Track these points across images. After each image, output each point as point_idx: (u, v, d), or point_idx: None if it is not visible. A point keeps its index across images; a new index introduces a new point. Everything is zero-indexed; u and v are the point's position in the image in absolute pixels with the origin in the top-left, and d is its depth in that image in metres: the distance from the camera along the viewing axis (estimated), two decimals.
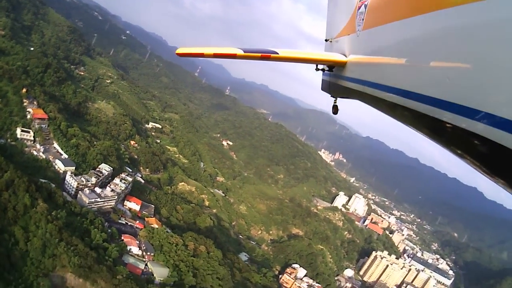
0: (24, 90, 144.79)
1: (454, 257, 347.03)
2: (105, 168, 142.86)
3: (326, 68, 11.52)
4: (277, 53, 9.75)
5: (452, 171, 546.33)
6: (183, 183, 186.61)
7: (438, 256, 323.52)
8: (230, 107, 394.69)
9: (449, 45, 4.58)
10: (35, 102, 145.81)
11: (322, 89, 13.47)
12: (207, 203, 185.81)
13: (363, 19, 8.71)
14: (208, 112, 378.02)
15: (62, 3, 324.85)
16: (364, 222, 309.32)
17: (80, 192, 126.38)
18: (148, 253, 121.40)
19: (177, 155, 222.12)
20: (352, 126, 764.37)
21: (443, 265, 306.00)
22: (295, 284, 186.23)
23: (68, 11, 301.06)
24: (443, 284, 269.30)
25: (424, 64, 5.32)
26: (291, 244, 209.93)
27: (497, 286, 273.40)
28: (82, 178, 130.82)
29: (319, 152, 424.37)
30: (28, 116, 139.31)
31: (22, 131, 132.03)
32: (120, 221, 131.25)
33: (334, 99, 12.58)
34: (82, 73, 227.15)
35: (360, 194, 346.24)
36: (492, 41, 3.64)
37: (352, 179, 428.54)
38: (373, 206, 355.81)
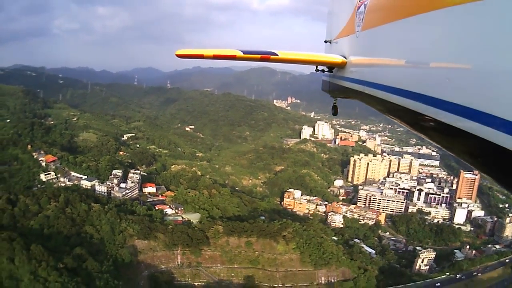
0: (29, 146, 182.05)
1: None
2: (116, 173, 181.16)
3: (326, 69, 11.65)
4: (277, 55, 9.93)
5: None
6: (174, 165, 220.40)
7: (419, 147, 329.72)
8: (177, 98, 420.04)
9: (449, 45, 4.67)
10: (42, 152, 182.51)
11: (323, 89, 14.10)
12: (199, 172, 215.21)
13: (362, 19, 8.75)
14: (161, 110, 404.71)
15: None
16: (335, 142, 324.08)
17: (111, 191, 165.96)
18: (179, 209, 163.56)
19: (157, 150, 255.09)
20: (293, 69, 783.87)
21: (424, 149, 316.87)
22: (297, 203, 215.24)
23: (6, 80, 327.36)
24: (432, 166, 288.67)
25: (423, 64, 5.43)
26: (279, 177, 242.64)
27: None
28: (107, 183, 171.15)
29: (272, 103, 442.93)
30: (43, 164, 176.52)
31: (45, 174, 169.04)
32: (148, 200, 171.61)
33: (334, 99, 13.34)
34: (52, 122, 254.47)
35: (322, 121, 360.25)
36: (491, 41, 3.65)
37: (312, 114, 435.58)
38: (340, 129, 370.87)
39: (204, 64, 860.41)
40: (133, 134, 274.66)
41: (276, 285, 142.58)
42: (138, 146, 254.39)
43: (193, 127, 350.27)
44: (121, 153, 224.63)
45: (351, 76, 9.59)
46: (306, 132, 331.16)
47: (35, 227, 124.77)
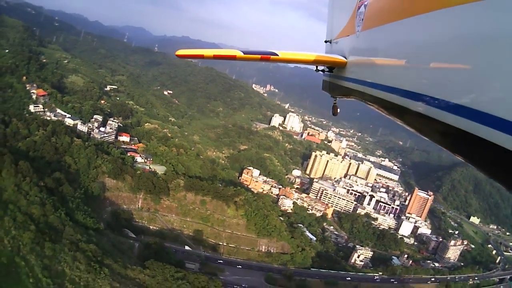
0: (25, 78, 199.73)
1: (400, 159, 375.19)
2: (97, 118, 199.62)
3: (327, 69, 11.57)
4: (277, 55, 9.91)
5: None
6: (147, 123, 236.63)
7: (382, 159, 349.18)
8: (162, 62, 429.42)
9: (449, 46, 4.56)
10: (34, 85, 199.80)
11: (323, 89, 13.63)
12: (169, 134, 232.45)
13: (362, 20, 8.71)
14: (145, 70, 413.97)
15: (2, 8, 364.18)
16: (302, 136, 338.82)
17: (91, 132, 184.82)
18: (148, 159, 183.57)
19: (135, 106, 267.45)
20: None
21: (386, 162, 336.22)
22: (253, 181, 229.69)
23: (8, 13, 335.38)
24: (390, 179, 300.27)
25: (423, 64, 5.32)
26: (242, 155, 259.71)
27: (446, 176, 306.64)
28: (88, 124, 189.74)
29: (251, 86, 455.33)
30: (34, 96, 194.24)
31: (34, 106, 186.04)
32: (122, 147, 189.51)
33: (335, 99, 13.09)
34: (45, 60, 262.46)
35: (293, 113, 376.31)
36: (492, 41, 3.60)
37: (287, 105, 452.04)
38: (311, 125, 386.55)
39: (193, 35, 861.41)
40: (116, 87, 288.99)
41: (221, 243, 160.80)
42: (118, 98, 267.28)
43: (171, 92, 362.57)
44: (102, 101, 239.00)
45: (351, 76, 9.64)
46: (276, 120, 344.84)
47: (22, 148, 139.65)
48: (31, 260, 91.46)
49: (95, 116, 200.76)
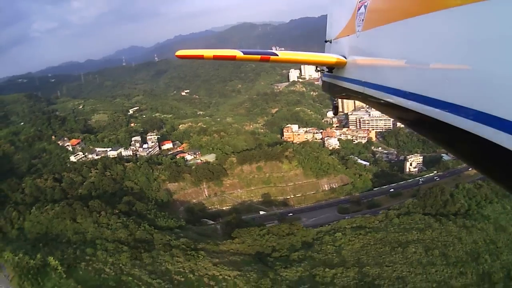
0: (53, 137, 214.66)
1: None
2: (136, 139, 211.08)
3: (326, 69, 11.44)
4: (277, 55, 10.05)
5: None
6: (181, 124, 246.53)
7: None
8: (167, 68, 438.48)
9: (449, 46, 4.47)
10: (65, 139, 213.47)
11: (323, 89, 13.65)
12: (204, 126, 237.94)
13: (362, 20, 8.55)
14: (155, 82, 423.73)
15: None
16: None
17: (136, 153, 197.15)
18: (197, 153, 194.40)
19: (162, 116, 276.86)
20: (272, 19, 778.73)
21: None
22: (295, 135, 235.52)
23: (2, 91, 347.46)
24: None
25: (424, 64, 5.23)
26: (276, 117, 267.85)
27: None
28: (131, 147, 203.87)
29: None
30: (70, 148, 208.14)
31: (75, 156, 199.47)
32: (169, 153, 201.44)
33: (335, 99, 13.49)
34: (62, 114, 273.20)
35: None
36: (492, 42, 3.55)
37: None
38: None
39: (184, 31, 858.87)
40: (137, 107, 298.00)
41: (288, 197, 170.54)
42: (144, 116, 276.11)
43: (188, 91, 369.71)
44: (132, 124, 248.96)
45: (351, 77, 9.43)
46: (293, 74, 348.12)
47: (84, 193, 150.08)
48: (136, 273, 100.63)
49: (133, 139, 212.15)
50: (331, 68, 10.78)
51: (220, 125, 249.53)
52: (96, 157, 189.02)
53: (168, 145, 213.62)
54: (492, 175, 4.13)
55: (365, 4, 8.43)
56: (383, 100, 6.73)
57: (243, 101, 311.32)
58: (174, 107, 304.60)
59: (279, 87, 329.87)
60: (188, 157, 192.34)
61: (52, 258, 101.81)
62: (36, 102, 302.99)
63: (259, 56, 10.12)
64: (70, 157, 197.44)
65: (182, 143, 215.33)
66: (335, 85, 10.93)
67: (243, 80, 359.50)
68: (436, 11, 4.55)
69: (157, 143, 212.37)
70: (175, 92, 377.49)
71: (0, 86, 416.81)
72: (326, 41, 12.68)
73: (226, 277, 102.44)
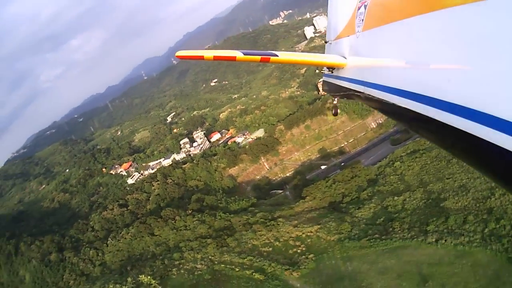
0: (104, 169, 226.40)
1: None
2: (184, 141, 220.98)
3: (327, 70, 11.08)
4: (277, 56, 9.89)
5: None
6: (221, 113, 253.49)
7: None
8: (187, 67, 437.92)
9: (449, 46, 4.36)
10: (116, 166, 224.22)
11: (323, 89, 13.59)
12: (243, 107, 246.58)
13: (362, 20, 8.47)
14: (181, 83, 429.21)
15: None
16: None
17: (189, 153, 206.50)
18: (246, 133, 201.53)
19: (200, 112, 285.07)
20: None
21: None
22: None
23: (37, 148, 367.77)
24: None
25: (424, 64, 5.09)
26: (307, 76, 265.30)
27: None
28: (182, 150, 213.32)
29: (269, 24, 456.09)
30: (124, 173, 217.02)
31: (131, 178, 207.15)
32: (220, 143, 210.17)
33: (335, 99, 12.97)
34: (103, 146, 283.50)
35: (317, 16, 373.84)
36: (493, 42, 3.44)
37: (307, 15, 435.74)
38: None
39: (190, 27, 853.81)
40: (174, 112, 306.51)
41: (342, 145, 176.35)
42: (183, 118, 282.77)
43: (216, 80, 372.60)
44: (175, 130, 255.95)
45: (351, 77, 9.27)
46: (309, 31, 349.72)
47: (152, 207, 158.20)
48: (226, 259, 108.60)
49: (181, 142, 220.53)
50: (332, 69, 10.70)
51: (257, 101, 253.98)
52: (152, 171, 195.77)
53: (216, 136, 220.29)
54: (492, 175, 4.06)
55: (365, 4, 8.48)
56: (383, 100, 6.57)
57: (271, 72, 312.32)
58: (208, 100, 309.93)
59: (299, 47, 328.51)
60: (239, 139, 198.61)
61: (143, 276, 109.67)
62: (73, 146, 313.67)
63: (259, 57, 10.19)
64: (127, 181, 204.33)
65: (228, 130, 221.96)
66: (335, 85, 10.71)
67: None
68: (436, 11, 4.58)
69: (205, 138, 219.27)
70: (204, 85, 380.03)
71: (32, 145, 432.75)
72: (325, 42, 12.51)
73: (308, 234, 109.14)
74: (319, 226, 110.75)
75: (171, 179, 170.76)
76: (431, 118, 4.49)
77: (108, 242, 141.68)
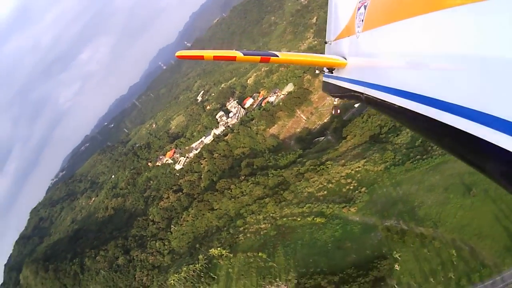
0: (149, 164, 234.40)
1: None
2: (220, 114, 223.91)
3: (327, 70, 11.04)
4: (277, 56, 9.88)
5: None
6: (248, 79, 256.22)
7: None
8: (202, 45, 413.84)
9: (449, 46, 4.41)
10: (161, 157, 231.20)
11: (323, 90, 13.03)
12: (267, 68, 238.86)
13: (362, 20, 8.51)
14: (201, 63, 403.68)
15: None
16: None
17: (227, 124, 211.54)
18: (276, 92, 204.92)
19: (228, 83, 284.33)
20: None
21: None
22: None
23: (76, 166, 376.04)
24: None
25: (424, 65, 5.18)
26: (319, 24, 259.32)
27: None
28: (220, 123, 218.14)
29: None
30: (170, 161, 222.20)
31: (177, 164, 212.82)
32: (253, 107, 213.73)
33: (335, 100, 13.07)
34: (142, 143, 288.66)
35: None
36: (493, 42, 3.50)
37: None
38: None
39: (194, 7, 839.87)
40: (203, 91, 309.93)
41: None
42: (213, 94, 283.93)
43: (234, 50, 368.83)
44: (208, 107, 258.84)
45: (351, 77, 9.28)
46: None
47: (206, 184, 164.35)
48: (287, 212, 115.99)
49: (217, 116, 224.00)
50: (332, 69, 10.73)
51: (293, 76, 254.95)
52: (197, 151, 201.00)
53: (249, 102, 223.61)
54: (492, 175, 3.95)
55: (365, 4, 8.55)
56: (384, 101, 6.62)
57: (284, 28, 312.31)
58: (232, 70, 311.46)
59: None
60: (271, 99, 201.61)
61: (212, 249, 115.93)
62: (112, 152, 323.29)
63: (259, 57, 10.37)
64: (175, 167, 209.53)
65: (259, 92, 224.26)
66: (335, 85, 10.67)
67: (273, 12, 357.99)
68: (436, 11, 4.64)
69: (239, 106, 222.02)
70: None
71: (69, 165, 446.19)
72: (325, 42, 12.35)
73: (357, 169, 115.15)
74: (365, 160, 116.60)
75: (217, 153, 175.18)
76: (431, 118, 4.66)
77: (172, 229, 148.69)
